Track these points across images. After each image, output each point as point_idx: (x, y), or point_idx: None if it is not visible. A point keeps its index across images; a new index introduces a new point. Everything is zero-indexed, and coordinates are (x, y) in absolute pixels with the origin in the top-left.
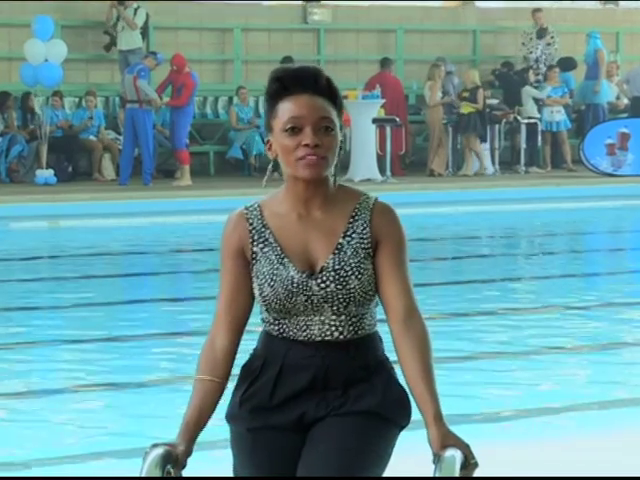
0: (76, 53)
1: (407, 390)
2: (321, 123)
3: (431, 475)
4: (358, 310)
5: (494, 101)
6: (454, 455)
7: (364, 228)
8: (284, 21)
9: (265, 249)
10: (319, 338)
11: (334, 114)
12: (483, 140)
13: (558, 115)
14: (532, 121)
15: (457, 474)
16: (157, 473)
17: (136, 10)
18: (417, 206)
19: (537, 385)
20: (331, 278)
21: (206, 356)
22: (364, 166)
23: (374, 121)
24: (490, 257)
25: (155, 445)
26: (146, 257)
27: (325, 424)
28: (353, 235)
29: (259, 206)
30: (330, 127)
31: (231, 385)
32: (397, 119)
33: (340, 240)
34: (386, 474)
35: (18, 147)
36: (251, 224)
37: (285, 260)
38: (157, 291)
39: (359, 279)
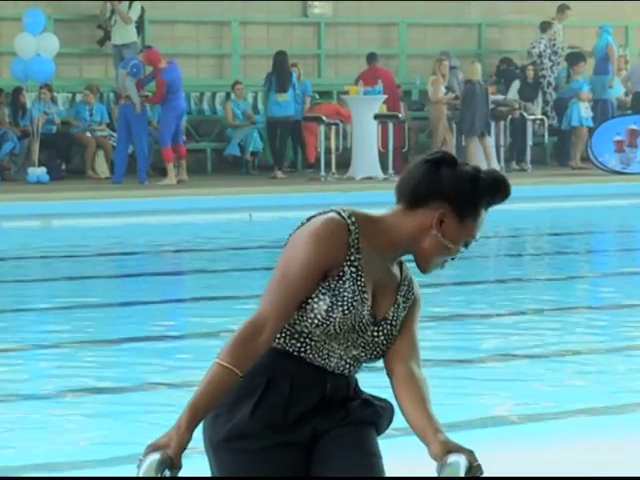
0: (69, 47)
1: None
2: None
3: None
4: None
5: (499, 97)
6: (458, 460)
7: (410, 292)
8: (283, 14)
9: (353, 274)
10: (331, 369)
11: None
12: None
13: (588, 111)
14: (539, 117)
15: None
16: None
17: (130, 4)
18: None
19: (539, 387)
20: (385, 331)
21: (240, 345)
22: (366, 164)
23: (376, 117)
24: (493, 257)
25: (149, 449)
26: (141, 257)
27: (335, 435)
28: (404, 297)
29: (356, 222)
30: None
31: None
32: (400, 115)
33: (397, 296)
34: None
35: (10, 144)
36: (351, 241)
37: (364, 295)
38: (154, 292)
39: (395, 338)
